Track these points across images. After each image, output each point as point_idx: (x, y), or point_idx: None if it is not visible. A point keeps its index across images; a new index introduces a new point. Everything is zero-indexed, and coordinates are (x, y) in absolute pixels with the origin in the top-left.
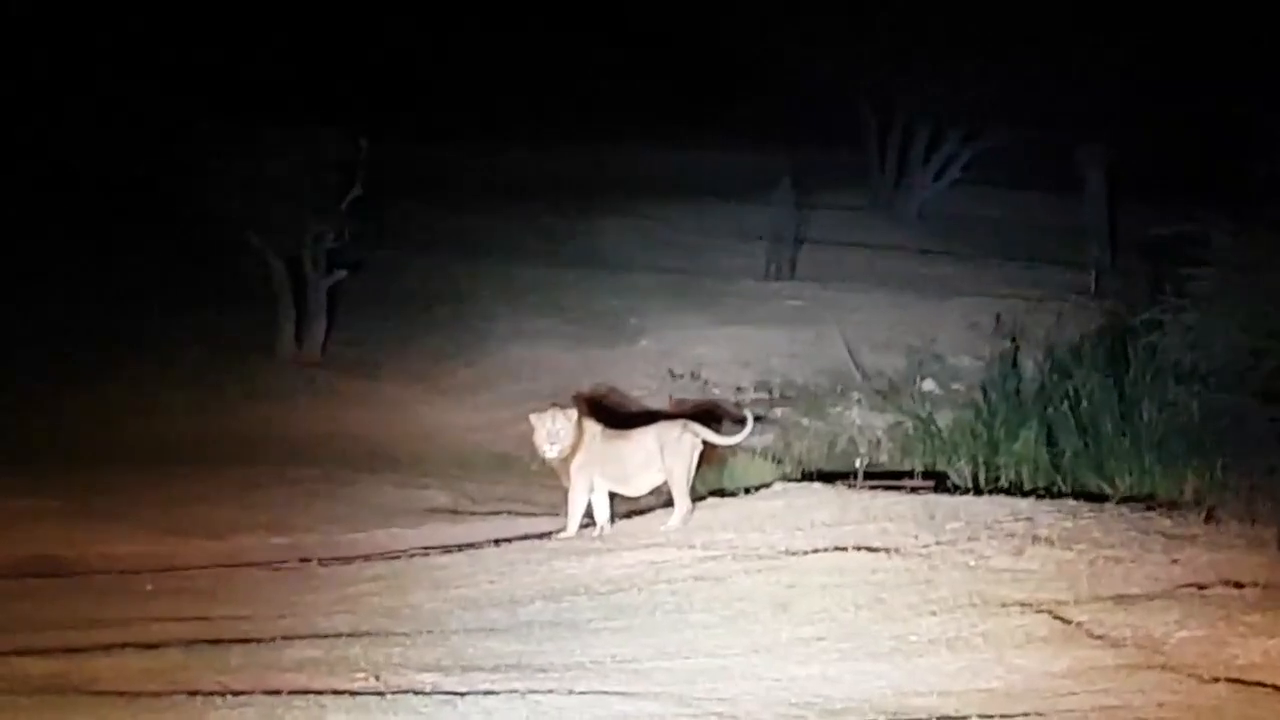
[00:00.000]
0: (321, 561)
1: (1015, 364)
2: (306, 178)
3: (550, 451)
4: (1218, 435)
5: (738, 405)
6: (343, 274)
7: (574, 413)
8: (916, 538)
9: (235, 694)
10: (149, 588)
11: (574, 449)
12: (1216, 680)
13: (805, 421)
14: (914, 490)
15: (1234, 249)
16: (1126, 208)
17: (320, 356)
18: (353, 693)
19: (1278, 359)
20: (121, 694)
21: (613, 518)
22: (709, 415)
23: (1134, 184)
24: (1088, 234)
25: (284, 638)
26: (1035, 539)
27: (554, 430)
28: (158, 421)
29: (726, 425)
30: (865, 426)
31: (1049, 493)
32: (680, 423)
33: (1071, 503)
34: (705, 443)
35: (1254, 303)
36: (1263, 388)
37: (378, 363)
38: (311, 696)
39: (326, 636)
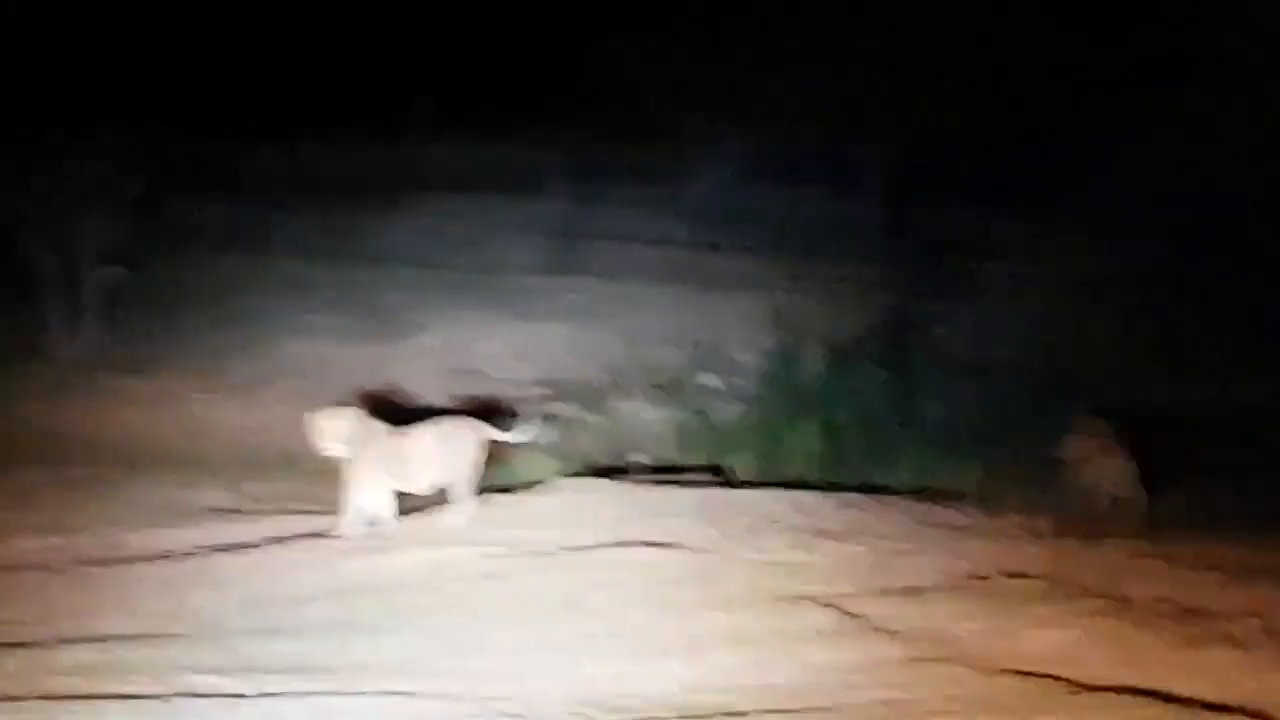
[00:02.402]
0: (98, 563)
1: (797, 358)
2: (81, 174)
3: (331, 450)
4: (997, 427)
5: (519, 401)
6: (120, 271)
7: (354, 410)
8: (699, 533)
9: (11, 699)
10: None
11: (355, 447)
12: (1003, 671)
13: (587, 417)
14: (696, 485)
15: (1014, 243)
16: (907, 202)
17: (97, 355)
18: (132, 696)
19: (1056, 352)
20: None
21: (397, 516)
22: (492, 411)
23: (915, 178)
24: (868, 228)
25: (60, 641)
26: (819, 533)
27: (335, 429)
28: None
29: (509, 421)
30: (647, 421)
31: (831, 487)
32: (464, 419)
33: (854, 496)
34: (490, 440)
35: (1033, 297)
36: (1041, 380)
37: (156, 361)
38: (90, 701)
39: (104, 639)
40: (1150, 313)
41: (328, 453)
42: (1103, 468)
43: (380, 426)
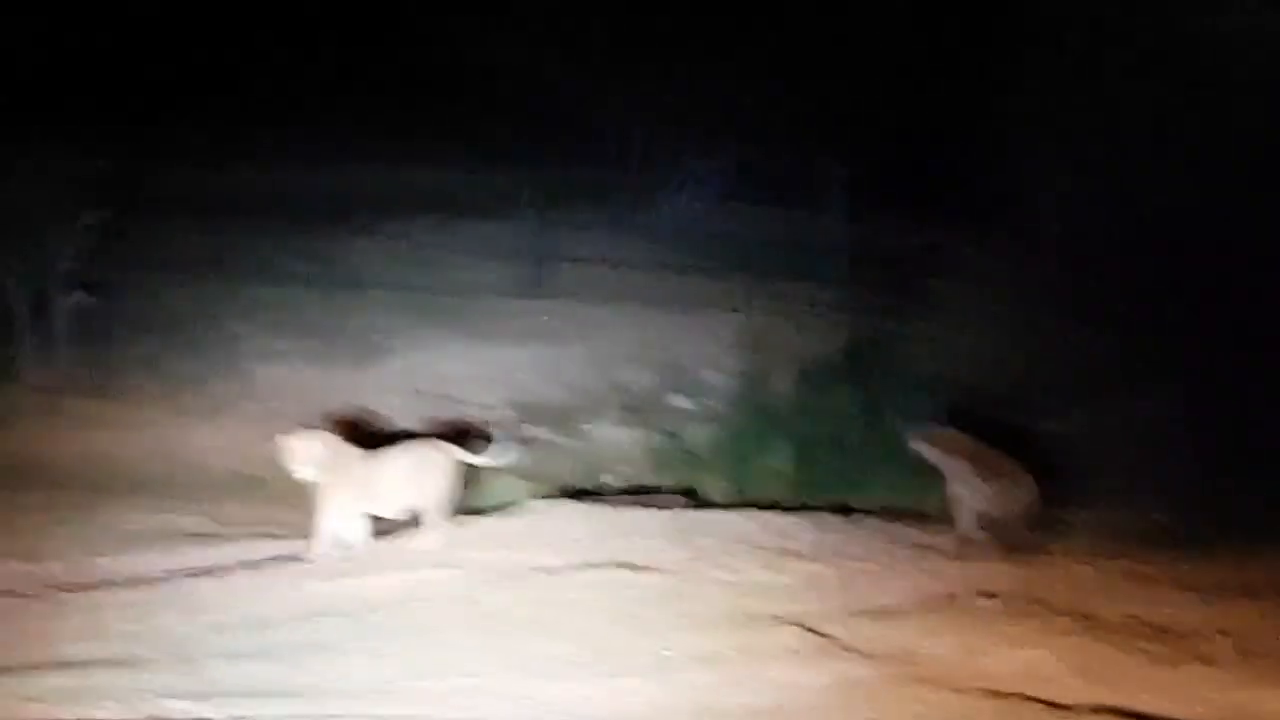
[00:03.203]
0: (66, 588)
1: (765, 379)
2: (46, 198)
3: (302, 473)
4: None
5: (487, 424)
6: (84, 296)
7: (325, 434)
8: (669, 554)
9: None
10: None
11: (326, 470)
12: (972, 691)
13: (555, 439)
14: (666, 506)
15: (972, 260)
16: (866, 221)
17: (63, 380)
18: None
19: (1019, 367)
20: None
21: (366, 538)
22: (462, 434)
23: (873, 197)
24: (829, 248)
25: (29, 667)
26: (787, 553)
27: (304, 452)
28: None
29: (478, 444)
30: (616, 443)
31: (800, 507)
32: (432, 442)
33: (824, 516)
34: (460, 462)
35: (994, 312)
36: (1005, 397)
37: (122, 385)
38: None
39: (73, 665)
40: (1107, 324)
41: (298, 476)
42: (966, 486)
43: (351, 450)
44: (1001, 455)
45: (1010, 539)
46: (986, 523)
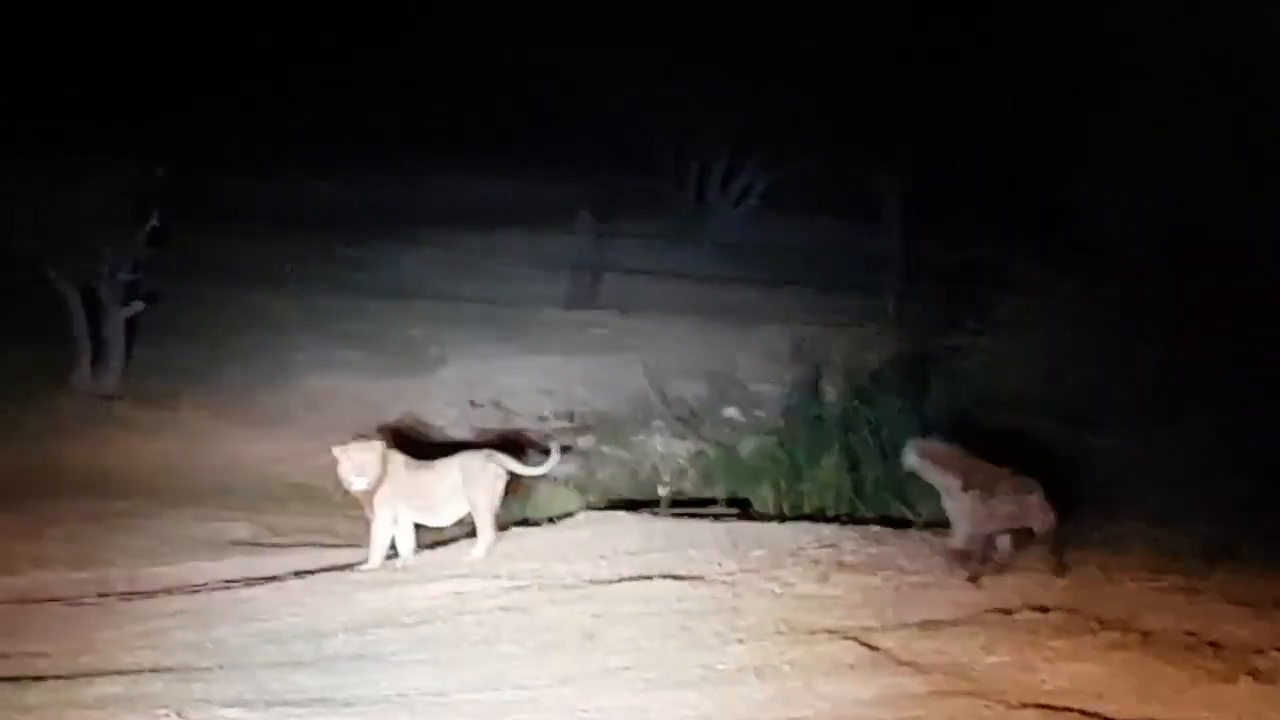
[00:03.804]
0: (122, 596)
1: (817, 391)
2: (102, 209)
3: (357, 484)
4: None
5: (542, 435)
6: (140, 305)
7: (378, 444)
8: (721, 565)
9: None
10: None
11: (378, 480)
12: (1025, 706)
13: (608, 450)
14: (717, 518)
15: (1030, 274)
16: (924, 233)
17: (119, 389)
18: None
19: (1075, 383)
20: None
21: (417, 549)
22: (513, 445)
23: (931, 210)
24: (885, 260)
25: (84, 675)
26: (840, 565)
27: (359, 462)
28: None
29: (531, 454)
30: (668, 454)
31: (852, 519)
32: (484, 453)
33: (875, 528)
34: (510, 473)
35: (1050, 327)
36: (1062, 412)
37: (177, 394)
38: None
39: (128, 673)
40: (1162, 340)
41: (353, 487)
42: (959, 501)
43: (402, 459)
44: (1002, 470)
45: (1006, 555)
46: (985, 539)
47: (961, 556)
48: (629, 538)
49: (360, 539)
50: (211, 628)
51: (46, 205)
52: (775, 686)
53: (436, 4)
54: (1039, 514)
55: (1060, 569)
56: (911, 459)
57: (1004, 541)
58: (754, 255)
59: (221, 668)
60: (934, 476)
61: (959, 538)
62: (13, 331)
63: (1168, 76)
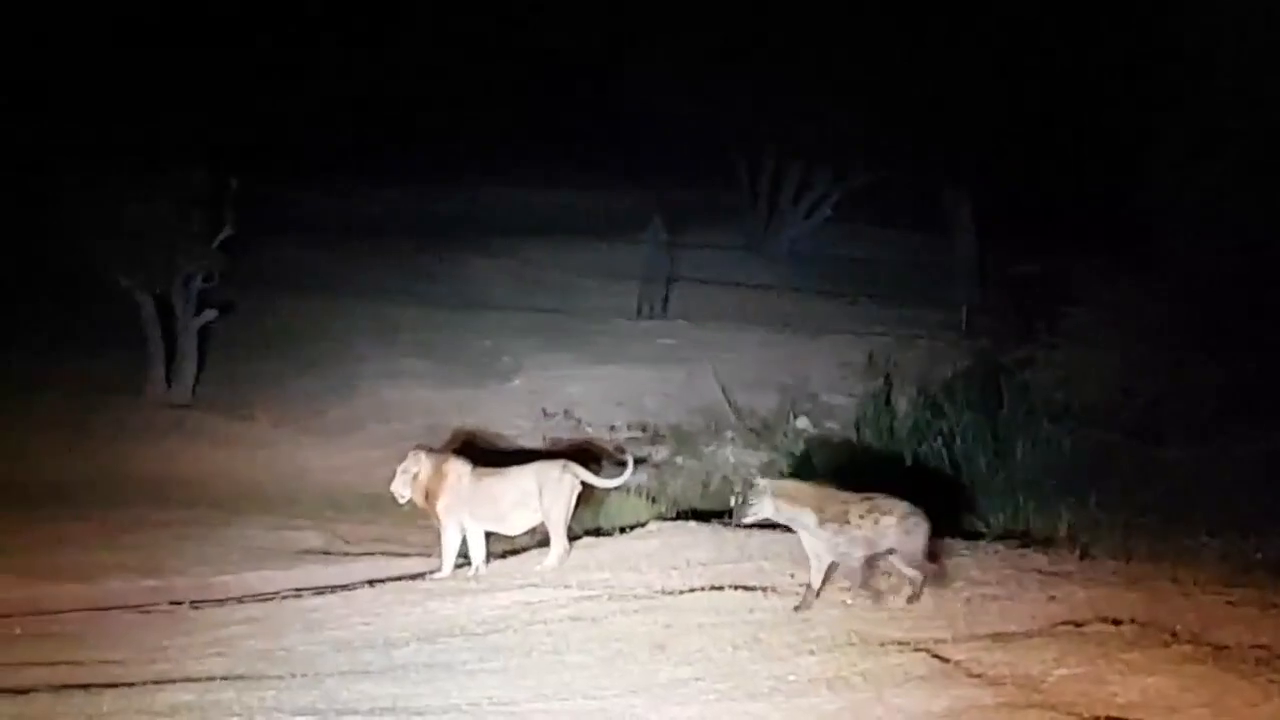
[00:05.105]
0: (193, 604)
1: (888, 402)
2: (176, 219)
3: (403, 494)
4: (1090, 472)
5: (615, 447)
6: (213, 314)
7: (447, 453)
8: (793, 576)
9: None
10: (18, 631)
11: (439, 490)
12: (1096, 719)
13: (679, 460)
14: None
15: (1101, 287)
16: (995, 246)
17: (190, 397)
18: None
19: (1147, 396)
20: None
21: (488, 558)
22: (586, 455)
23: (1002, 223)
24: (957, 272)
25: (156, 682)
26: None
27: (427, 471)
28: (26, 465)
29: (602, 464)
30: (739, 465)
31: None
32: (560, 463)
33: (947, 541)
34: (583, 483)
35: (1123, 340)
36: (1133, 425)
37: (248, 403)
38: None
39: (199, 680)
40: (1234, 354)
41: (399, 498)
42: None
43: (468, 469)
44: (855, 497)
45: (918, 581)
46: (865, 565)
47: (814, 592)
48: (700, 548)
49: (430, 548)
50: (281, 636)
51: (122, 214)
52: (846, 698)
53: (513, 17)
54: (896, 536)
55: (914, 596)
56: (764, 504)
57: (913, 571)
58: (824, 267)
59: (291, 676)
60: (787, 515)
61: (814, 573)
62: (86, 340)
63: (1243, 91)
